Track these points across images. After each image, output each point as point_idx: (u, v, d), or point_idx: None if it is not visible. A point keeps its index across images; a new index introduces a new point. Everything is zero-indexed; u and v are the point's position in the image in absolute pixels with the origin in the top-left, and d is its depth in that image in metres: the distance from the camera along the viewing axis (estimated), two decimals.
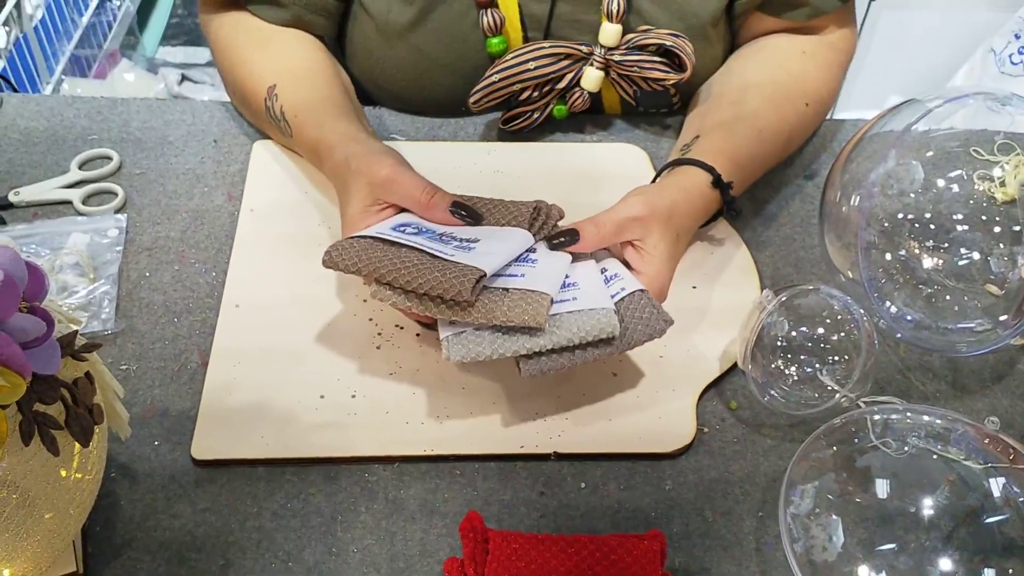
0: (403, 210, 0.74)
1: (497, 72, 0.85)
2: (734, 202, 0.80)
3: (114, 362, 0.74)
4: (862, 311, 0.72)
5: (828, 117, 0.96)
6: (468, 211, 0.72)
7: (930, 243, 0.78)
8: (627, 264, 0.73)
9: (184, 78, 1.95)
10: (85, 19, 2.01)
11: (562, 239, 0.71)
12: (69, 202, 0.84)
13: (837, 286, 0.78)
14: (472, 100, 0.87)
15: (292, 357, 0.74)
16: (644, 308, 0.69)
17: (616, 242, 0.73)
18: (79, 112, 0.92)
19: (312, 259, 0.79)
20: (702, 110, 0.87)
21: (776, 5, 0.90)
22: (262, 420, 0.70)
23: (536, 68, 0.86)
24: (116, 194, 0.85)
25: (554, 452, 0.70)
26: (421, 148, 0.90)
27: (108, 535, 0.65)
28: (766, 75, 0.89)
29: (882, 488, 0.69)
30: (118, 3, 2.14)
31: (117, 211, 0.84)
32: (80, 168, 0.87)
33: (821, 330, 0.73)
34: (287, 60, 0.86)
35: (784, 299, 0.71)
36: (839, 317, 0.72)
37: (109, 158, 0.88)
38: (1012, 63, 1.77)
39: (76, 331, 0.55)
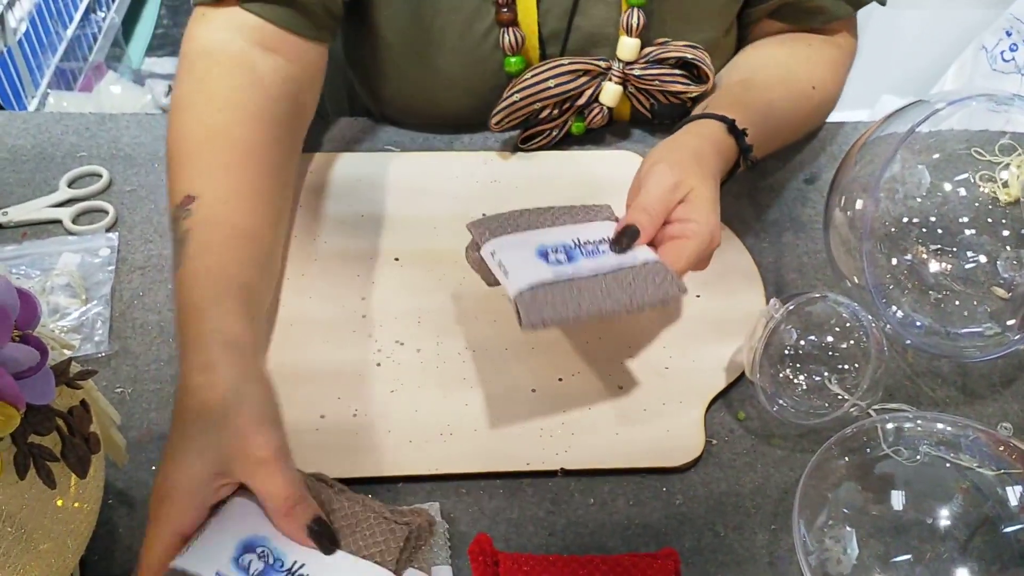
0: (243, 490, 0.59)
1: (517, 91, 0.84)
2: (751, 150, 0.78)
3: (108, 385, 0.73)
4: (870, 318, 0.71)
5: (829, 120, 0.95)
6: (326, 536, 0.58)
7: (936, 247, 0.77)
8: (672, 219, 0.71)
9: (171, 89, 1.92)
10: (70, 31, 1.99)
11: (625, 239, 0.69)
12: (59, 221, 0.82)
13: (843, 292, 0.77)
14: (494, 120, 0.85)
15: (290, 376, 0.73)
16: (658, 273, 0.67)
17: (668, 215, 0.70)
18: (67, 129, 0.90)
19: (308, 274, 0.79)
20: (710, 98, 0.86)
21: (790, 13, 0.89)
22: None
23: (556, 86, 0.84)
24: (107, 212, 0.83)
25: (561, 468, 0.68)
26: (415, 159, 0.89)
27: (107, 565, 0.63)
28: (772, 61, 0.89)
29: (896, 498, 0.68)
30: (103, 15, 2.12)
31: (108, 229, 0.82)
32: (69, 186, 0.85)
33: (830, 338, 0.71)
34: (226, 174, 0.70)
35: (792, 308, 0.70)
36: (847, 325, 0.71)
37: (99, 175, 0.86)
38: (1003, 60, 1.77)
39: (70, 359, 0.54)
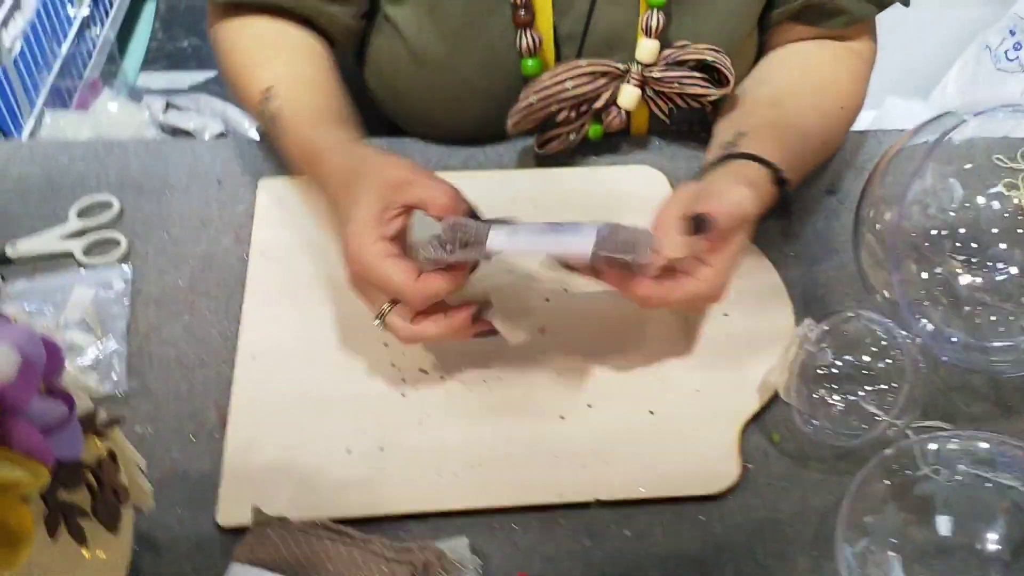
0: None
1: (535, 93, 0.83)
2: (792, 202, 0.77)
3: (128, 425, 0.71)
4: (905, 335, 0.70)
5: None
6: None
7: (968, 259, 0.76)
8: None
9: (169, 105, 1.91)
10: (64, 48, 1.97)
11: (697, 223, 0.67)
12: (70, 254, 0.81)
13: (873, 306, 0.76)
14: (511, 123, 0.84)
15: (315, 409, 0.71)
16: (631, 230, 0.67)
17: (727, 235, 0.68)
18: (74, 156, 0.89)
19: (328, 302, 0.77)
20: (738, 114, 0.85)
21: (812, 15, 0.88)
22: (288, 480, 0.67)
23: (574, 88, 0.83)
24: (119, 243, 0.81)
25: (596, 499, 0.67)
26: None
27: None
28: (800, 79, 0.87)
29: (938, 521, 0.66)
30: (97, 30, 2.09)
31: (121, 261, 0.81)
32: (79, 216, 0.84)
33: (865, 357, 0.70)
34: (288, 64, 0.82)
35: (826, 328, 0.69)
36: (883, 343, 0.70)
37: (109, 204, 0.84)
38: (1008, 59, 1.76)
39: (96, 407, 0.52)
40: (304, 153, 0.77)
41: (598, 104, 0.85)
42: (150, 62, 2.30)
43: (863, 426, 0.69)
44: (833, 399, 0.70)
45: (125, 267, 0.80)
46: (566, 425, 0.70)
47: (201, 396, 0.73)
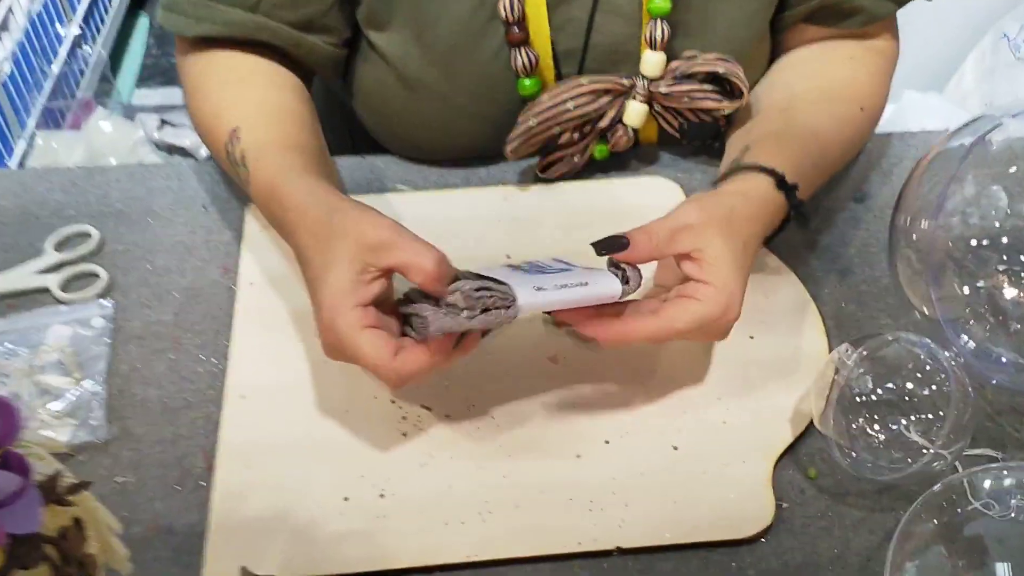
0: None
1: (533, 116, 0.77)
2: (803, 206, 0.71)
3: (108, 475, 0.66)
4: (949, 356, 0.64)
5: None
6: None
7: (1014, 271, 0.70)
8: (687, 279, 0.64)
9: (163, 122, 1.85)
10: (55, 68, 1.92)
11: (609, 244, 0.63)
12: (46, 289, 0.75)
13: (911, 324, 0.70)
14: (509, 148, 0.78)
15: (309, 453, 0.66)
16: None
17: (670, 253, 0.64)
18: (52, 185, 0.83)
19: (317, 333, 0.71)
20: (748, 126, 0.79)
21: (827, 16, 0.82)
22: (280, 532, 0.62)
23: (576, 108, 0.77)
24: (99, 276, 0.76)
25: (617, 547, 0.61)
26: (429, 198, 0.82)
27: None
28: (813, 81, 0.81)
29: (991, 563, 0.60)
30: (89, 49, 2.05)
31: (101, 296, 0.75)
32: (56, 249, 0.78)
33: (908, 384, 0.64)
34: (258, 101, 0.76)
35: (864, 353, 0.63)
36: (927, 367, 0.64)
37: (88, 235, 0.79)
38: None
39: (58, 473, 0.47)
40: (271, 204, 0.69)
41: (603, 124, 0.79)
42: (145, 79, 2.26)
43: (907, 459, 0.63)
44: (874, 429, 0.64)
45: (106, 302, 0.74)
46: (582, 464, 0.65)
47: (187, 440, 0.67)
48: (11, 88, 1.75)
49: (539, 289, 0.61)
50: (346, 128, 0.94)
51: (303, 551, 0.61)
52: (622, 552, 0.61)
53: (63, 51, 1.96)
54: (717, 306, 0.62)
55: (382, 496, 0.63)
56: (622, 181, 0.84)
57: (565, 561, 0.61)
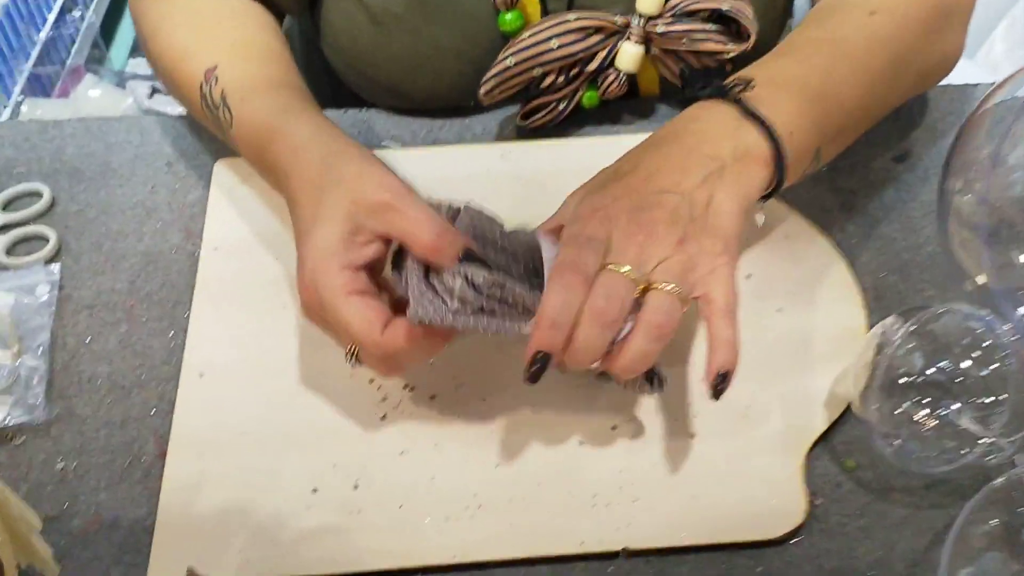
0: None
1: (512, 55, 0.68)
2: (758, 113, 0.56)
3: (48, 459, 0.58)
4: (1009, 331, 0.56)
5: None
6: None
7: None
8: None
9: (155, 90, 1.78)
10: (43, 34, 1.84)
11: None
12: None
13: (962, 298, 0.61)
14: (483, 91, 0.69)
15: (274, 439, 0.58)
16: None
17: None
18: (3, 141, 0.75)
19: (293, 307, 0.63)
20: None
21: None
22: (239, 528, 0.54)
23: (560, 47, 0.68)
24: (47, 239, 0.68)
25: (624, 548, 0.53)
26: (420, 155, 0.73)
27: None
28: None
29: None
30: (79, 14, 1.97)
31: (48, 261, 0.67)
32: (3, 209, 0.70)
33: (962, 363, 0.56)
34: (234, 40, 0.68)
35: (913, 327, 0.55)
36: (984, 344, 0.55)
37: (39, 194, 0.71)
38: None
39: None
40: (264, 144, 0.61)
41: (592, 66, 0.70)
42: (139, 48, 2.18)
43: (960, 449, 0.55)
44: (922, 415, 0.56)
45: (53, 268, 0.67)
46: (585, 454, 0.57)
47: (137, 423, 0.60)
48: None
49: None
50: (327, 80, 0.85)
51: (263, 551, 0.53)
52: (630, 554, 0.53)
53: (51, 17, 1.88)
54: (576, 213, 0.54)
55: (356, 488, 0.55)
56: (631, 138, 0.75)
57: (565, 564, 0.53)
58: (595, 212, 0.54)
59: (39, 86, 1.82)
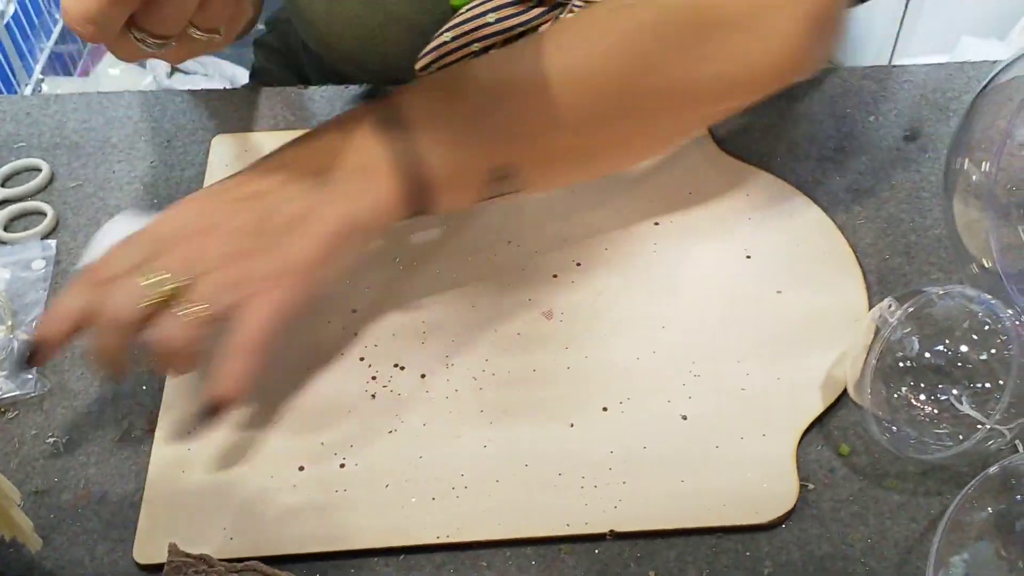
0: None
1: (449, 30, 0.63)
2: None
3: (39, 434, 0.58)
4: (1011, 315, 0.54)
5: (902, 63, 0.77)
6: None
7: None
8: None
9: (175, 69, 1.78)
10: None
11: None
12: None
13: (968, 278, 0.60)
14: (419, 66, 0.64)
15: (261, 416, 0.57)
16: None
17: None
18: (4, 116, 0.75)
19: None
20: None
21: None
22: (224, 505, 0.54)
23: (497, 22, 0.64)
24: (44, 214, 0.68)
25: (611, 531, 0.52)
26: None
27: None
28: None
29: None
30: None
31: (45, 236, 0.67)
32: (2, 185, 0.71)
33: (962, 347, 0.54)
34: None
35: (911, 309, 0.53)
36: (984, 328, 0.54)
37: (38, 169, 0.71)
38: None
39: None
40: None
41: None
42: None
43: (958, 435, 0.53)
44: (919, 400, 0.54)
45: (49, 243, 0.67)
46: (575, 434, 0.56)
47: (129, 399, 0.59)
48: (15, 31, 1.69)
49: None
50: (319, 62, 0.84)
51: (248, 527, 0.53)
52: (617, 536, 0.52)
53: None
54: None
55: (343, 466, 0.55)
56: None
57: (551, 545, 0.52)
58: (176, 213, 0.52)
59: (60, 64, 1.83)
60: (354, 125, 0.53)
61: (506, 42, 0.65)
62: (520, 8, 0.64)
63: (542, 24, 0.64)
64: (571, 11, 0.65)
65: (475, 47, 0.64)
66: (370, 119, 0.53)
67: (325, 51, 0.77)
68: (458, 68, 0.58)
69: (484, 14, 0.63)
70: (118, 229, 0.54)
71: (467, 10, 0.64)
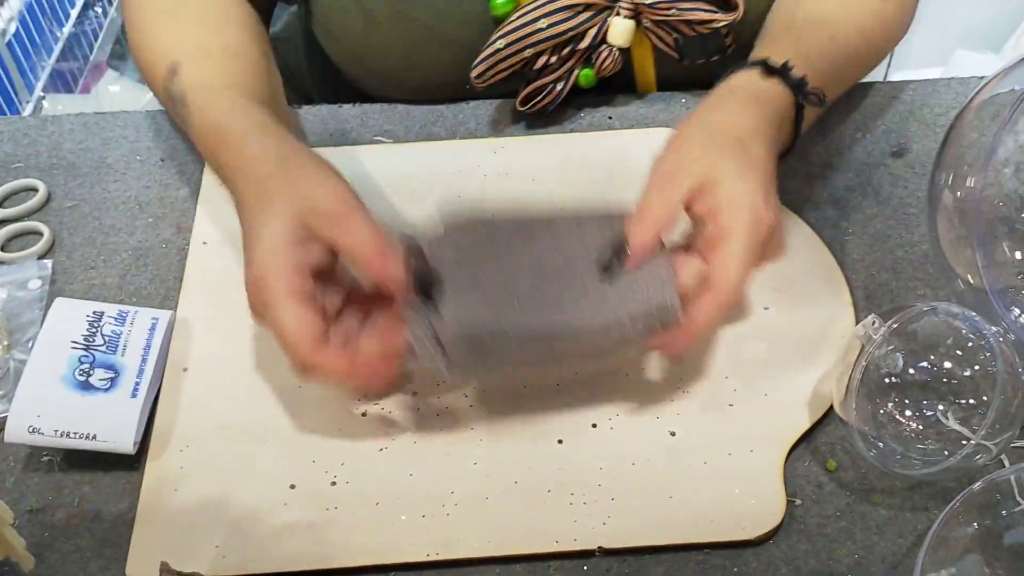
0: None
1: (502, 37, 0.68)
2: (804, 84, 0.62)
3: (34, 452, 0.59)
4: (996, 331, 0.54)
5: (898, 79, 0.77)
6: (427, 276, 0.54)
7: None
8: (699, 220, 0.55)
9: None
10: (66, 30, 1.86)
11: (612, 261, 0.55)
12: None
13: (954, 294, 0.60)
14: (475, 75, 0.69)
15: (253, 434, 0.58)
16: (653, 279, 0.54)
17: (676, 217, 0.55)
18: (1, 136, 0.76)
19: None
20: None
21: None
22: (217, 523, 0.54)
23: (549, 27, 0.68)
24: (41, 234, 0.69)
25: (599, 547, 0.53)
26: (411, 151, 0.73)
27: None
28: None
29: None
30: (102, 11, 1.99)
31: (41, 256, 0.68)
32: (0, 205, 0.71)
33: (946, 363, 0.55)
34: (199, 34, 0.67)
35: (895, 326, 0.54)
36: (969, 344, 0.54)
37: (35, 190, 0.72)
38: None
39: None
40: (216, 143, 0.60)
41: (583, 44, 0.70)
42: None
43: (944, 451, 0.54)
44: (904, 416, 0.55)
45: (46, 263, 0.67)
46: (564, 451, 0.56)
47: None
48: (17, 49, 1.70)
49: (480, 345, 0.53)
50: (330, 78, 0.85)
51: (239, 545, 0.53)
52: (605, 553, 0.53)
53: (74, 13, 1.90)
54: (748, 224, 0.53)
55: (333, 484, 0.56)
56: (626, 134, 0.75)
57: (540, 562, 0.53)
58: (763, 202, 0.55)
59: (62, 82, 1.84)
60: (745, 86, 0.62)
61: (556, 47, 0.67)
62: (570, 13, 0.68)
63: (591, 28, 0.69)
64: (618, 13, 0.67)
65: (527, 52, 0.68)
66: (755, 74, 0.63)
67: (361, 73, 0.78)
68: (767, 47, 0.66)
69: (536, 20, 0.67)
70: (66, 314, 0.59)
71: (518, 17, 0.67)
